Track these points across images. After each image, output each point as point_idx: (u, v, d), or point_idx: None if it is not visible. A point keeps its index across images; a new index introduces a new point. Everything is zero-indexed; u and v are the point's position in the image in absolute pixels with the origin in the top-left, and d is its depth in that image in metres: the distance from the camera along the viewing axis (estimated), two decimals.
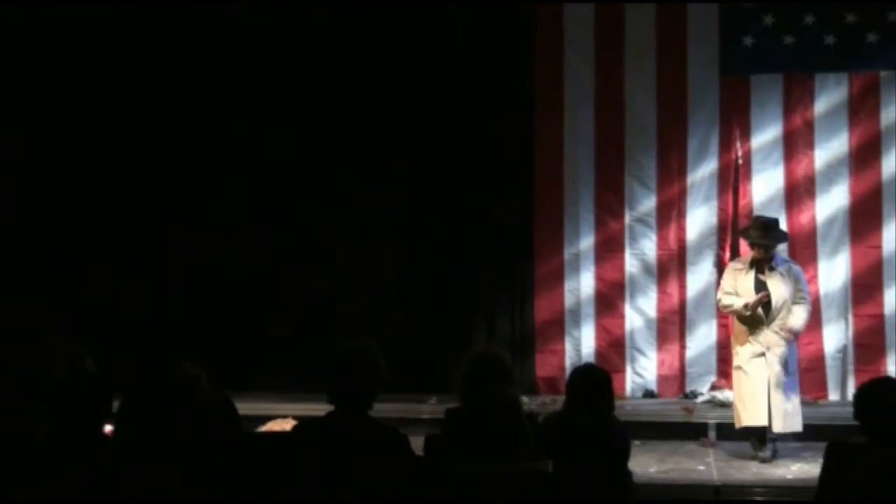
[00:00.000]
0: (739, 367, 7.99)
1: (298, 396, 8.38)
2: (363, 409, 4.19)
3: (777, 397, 7.82)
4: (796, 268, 8.09)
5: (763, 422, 7.79)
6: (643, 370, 10.12)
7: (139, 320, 9.93)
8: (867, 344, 9.60)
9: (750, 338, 7.92)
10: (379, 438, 4.12)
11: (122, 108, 10.11)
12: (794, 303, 7.93)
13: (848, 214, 9.76)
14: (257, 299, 10.20)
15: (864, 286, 9.57)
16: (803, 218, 9.72)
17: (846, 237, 9.65)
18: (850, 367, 9.56)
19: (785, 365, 7.86)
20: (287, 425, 7.21)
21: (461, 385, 4.66)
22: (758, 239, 7.94)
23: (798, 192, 9.92)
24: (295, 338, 9.91)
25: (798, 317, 7.91)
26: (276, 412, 8.30)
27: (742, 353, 7.95)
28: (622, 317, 10.15)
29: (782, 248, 8.62)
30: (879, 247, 9.76)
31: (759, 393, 7.86)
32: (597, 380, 4.99)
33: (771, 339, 7.90)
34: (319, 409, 4.29)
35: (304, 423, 4.31)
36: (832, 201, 9.83)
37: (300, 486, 4.01)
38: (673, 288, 10.11)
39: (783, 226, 8.66)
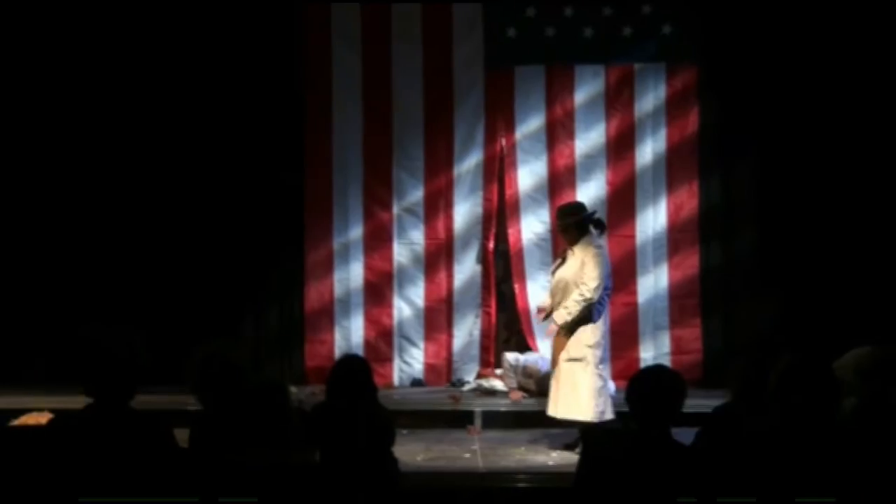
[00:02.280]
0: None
1: (55, 389, 7.84)
2: (123, 400, 4.08)
3: (554, 382, 7.78)
4: (593, 250, 7.72)
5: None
6: (411, 359, 10.21)
7: None
8: (622, 331, 9.85)
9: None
10: (140, 430, 4.03)
11: None
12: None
13: (605, 204, 9.94)
14: (13, 289, 9.91)
15: (620, 274, 9.71)
16: None
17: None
18: (607, 354, 9.70)
19: (574, 350, 7.68)
20: (43, 419, 7.02)
21: (192, 386, 4.61)
22: (560, 226, 7.93)
23: (560, 182, 10.13)
24: (52, 328, 9.55)
25: (562, 310, 7.67)
26: (31, 405, 8.05)
27: None
28: (391, 306, 10.21)
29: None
30: (633, 236, 10.05)
31: (552, 381, 7.88)
32: (354, 368, 5.03)
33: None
34: (77, 401, 4.14)
35: (61, 416, 4.17)
36: (591, 191, 10.03)
37: (57, 481, 3.87)
38: (441, 278, 10.23)
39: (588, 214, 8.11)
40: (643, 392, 4.25)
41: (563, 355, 7.72)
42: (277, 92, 9.99)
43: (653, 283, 10.08)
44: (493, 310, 10.22)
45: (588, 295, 7.61)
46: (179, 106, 9.91)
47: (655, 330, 10.06)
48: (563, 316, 7.69)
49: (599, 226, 7.95)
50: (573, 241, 7.79)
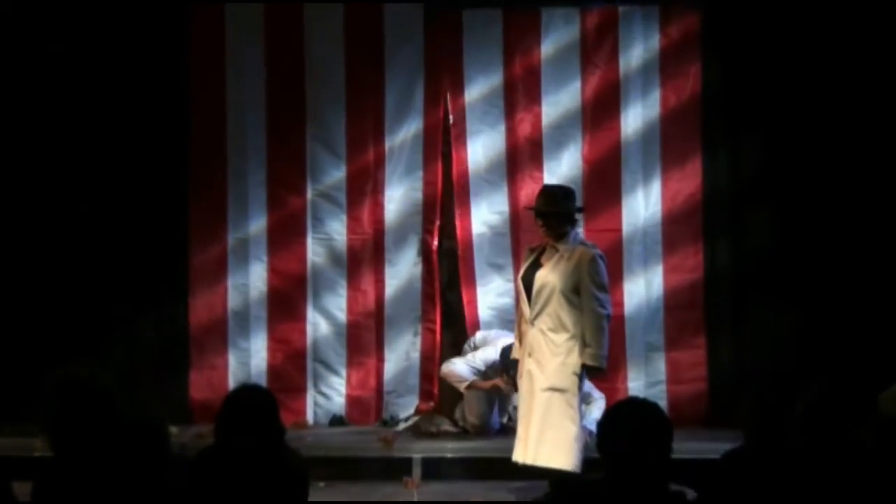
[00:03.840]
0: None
1: None
2: None
3: (532, 419, 7.70)
4: (590, 252, 7.78)
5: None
6: (330, 390, 10.19)
7: None
8: (609, 356, 9.43)
9: (520, 341, 7.97)
10: None
11: None
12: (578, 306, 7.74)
13: (581, 188, 9.78)
14: None
15: (610, 277, 9.53)
16: (529, 191, 9.68)
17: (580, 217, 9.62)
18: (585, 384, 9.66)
19: (557, 377, 7.69)
20: None
21: (45, 423, 4.59)
22: (539, 208, 7.90)
23: (523, 159, 10.14)
24: None
25: (588, 350, 7.65)
26: None
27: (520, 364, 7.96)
28: (304, 321, 10.17)
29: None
30: (618, 230, 10.05)
31: (522, 415, 7.85)
32: (254, 403, 4.89)
33: (534, 341, 7.76)
34: None
35: None
36: (562, 171, 10.04)
37: None
38: (368, 283, 10.21)
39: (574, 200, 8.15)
40: (616, 434, 4.29)
41: (542, 382, 7.69)
42: (155, 50, 10.07)
43: (643, 290, 10.08)
44: (437, 326, 10.24)
45: (608, 310, 7.74)
46: (49, 88, 9.97)
47: (647, 352, 10.05)
48: (596, 356, 7.69)
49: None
50: (560, 236, 7.81)
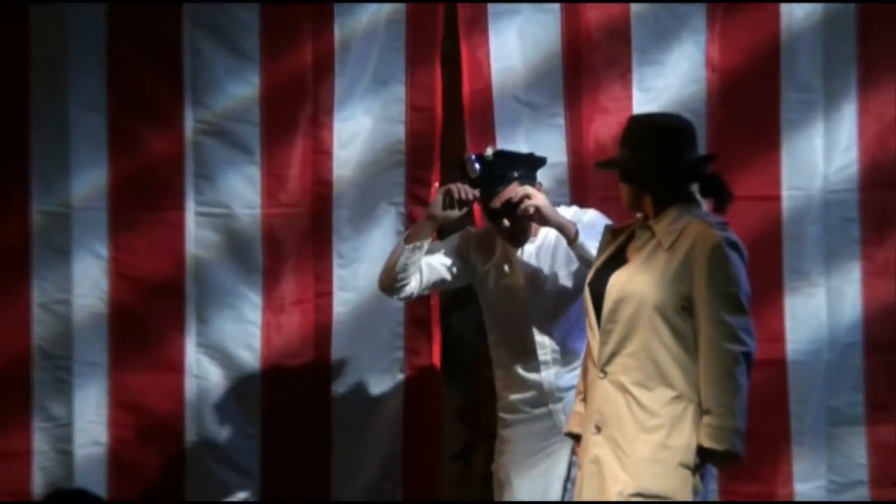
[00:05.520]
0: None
1: None
2: None
3: None
4: (719, 235, 6.78)
5: None
6: (230, 497, 8.77)
7: None
8: (757, 432, 8.20)
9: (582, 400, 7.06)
10: None
11: None
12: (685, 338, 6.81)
13: (704, 120, 8.53)
14: None
15: (757, 284, 7.97)
16: (605, 125, 8.44)
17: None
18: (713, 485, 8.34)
19: (650, 474, 6.60)
20: None
21: None
22: (622, 162, 6.96)
23: (593, 64, 8.75)
24: None
25: (709, 420, 6.57)
26: None
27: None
28: (179, 369, 8.69)
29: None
30: (776, 198, 8.77)
31: None
32: None
33: (607, 404, 6.73)
34: None
35: None
36: (667, 87, 8.66)
37: None
38: (305, 289, 8.77)
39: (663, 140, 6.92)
40: None
41: (622, 482, 6.62)
42: None
43: (823, 311, 8.64)
44: (435, 368, 8.88)
45: (748, 346, 6.69)
46: None
47: (831, 426, 8.59)
48: (723, 432, 6.53)
49: (714, 189, 6.81)
50: (658, 207, 6.84)
